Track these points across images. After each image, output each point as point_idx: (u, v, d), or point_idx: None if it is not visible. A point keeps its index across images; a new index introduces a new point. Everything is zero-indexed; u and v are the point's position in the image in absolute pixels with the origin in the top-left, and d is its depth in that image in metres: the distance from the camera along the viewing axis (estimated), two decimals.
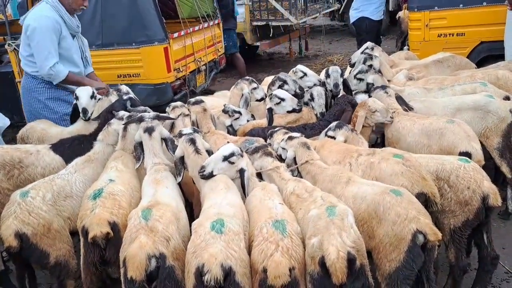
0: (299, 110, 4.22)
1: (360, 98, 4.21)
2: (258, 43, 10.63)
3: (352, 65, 5.11)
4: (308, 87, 4.61)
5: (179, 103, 3.96)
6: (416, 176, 2.71)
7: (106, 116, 3.67)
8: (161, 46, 5.76)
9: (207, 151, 3.01)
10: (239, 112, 4.08)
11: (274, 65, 11.86)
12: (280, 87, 4.36)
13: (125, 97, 3.82)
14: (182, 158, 2.95)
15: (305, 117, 4.29)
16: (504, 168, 3.81)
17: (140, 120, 3.18)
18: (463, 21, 5.86)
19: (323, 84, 4.56)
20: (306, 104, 4.45)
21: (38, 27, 4.09)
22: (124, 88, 4.06)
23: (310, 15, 11.10)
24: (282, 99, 4.14)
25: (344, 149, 3.13)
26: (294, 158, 3.12)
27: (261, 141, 3.50)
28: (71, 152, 3.53)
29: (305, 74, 4.59)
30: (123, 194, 2.73)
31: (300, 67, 4.65)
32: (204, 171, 2.80)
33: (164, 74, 5.86)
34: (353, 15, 7.99)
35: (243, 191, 2.86)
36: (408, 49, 6.66)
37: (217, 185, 2.76)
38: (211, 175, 2.81)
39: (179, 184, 3.06)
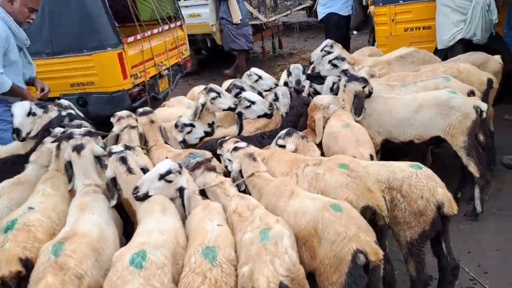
0: (271, 115, 3.96)
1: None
2: None
3: (312, 62, 4.89)
4: (264, 90, 4.37)
5: (125, 113, 3.65)
6: (361, 188, 2.49)
7: (42, 134, 3.37)
8: (115, 51, 5.45)
9: (142, 169, 2.75)
10: (192, 125, 3.79)
11: (248, 65, 11.59)
12: (237, 95, 4.12)
13: (64, 112, 3.51)
14: (114, 179, 2.69)
15: (274, 121, 4.06)
16: (472, 168, 3.62)
17: (69, 137, 2.91)
18: (428, 14, 5.67)
19: (285, 84, 4.33)
20: (270, 105, 4.22)
21: None
22: (65, 102, 3.76)
23: (281, 12, 10.86)
24: (253, 102, 3.88)
25: (292, 159, 2.89)
26: (241, 170, 2.88)
27: (206, 154, 3.25)
28: (2, 174, 3.24)
29: (260, 77, 4.35)
30: (41, 224, 2.45)
31: (254, 70, 4.41)
32: (138, 192, 2.55)
33: (120, 81, 5.56)
34: (321, 11, 7.78)
35: (184, 211, 2.62)
36: None
37: (152, 208, 2.51)
38: (146, 196, 2.55)
39: (121, 204, 2.81)
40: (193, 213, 2.56)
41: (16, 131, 3.50)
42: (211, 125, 3.87)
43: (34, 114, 3.55)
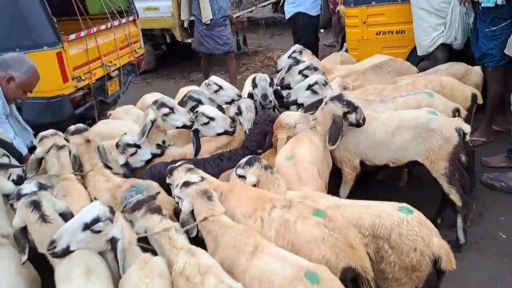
0: (233, 132, 3.42)
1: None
2: (189, 40, 9.69)
3: (279, 71, 4.38)
4: (226, 102, 3.82)
5: (50, 131, 3.02)
6: (341, 243, 2.00)
7: None
8: (53, 51, 4.71)
9: (62, 214, 2.14)
10: (136, 146, 3.18)
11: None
12: (193, 108, 3.54)
13: None
14: (24, 229, 2.06)
15: (237, 138, 3.53)
16: (454, 196, 3.24)
17: None
18: (402, 17, 5.30)
19: (250, 96, 3.79)
20: (233, 120, 3.67)
21: None
22: None
23: (245, 8, 10.29)
24: (211, 118, 3.34)
25: (256, 197, 2.36)
26: (193, 211, 2.33)
27: (153, 187, 2.67)
28: None
29: (220, 87, 3.79)
30: None
31: (214, 78, 3.84)
32: (56, 247, 1.95)
33: (59, 84, 4.83)
34: (288, 10, 7.25)
35: (118, 268, 2.04)
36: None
37: (72, 269, 1.92)
38: (66, 252, 1.97)
39: None
40: (126, 275, 1.99)
41: None
42: (160, 145, 3.28)
43: None
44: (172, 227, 2.20)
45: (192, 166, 2.71)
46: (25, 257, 2.06)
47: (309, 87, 3.46)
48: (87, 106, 5.26)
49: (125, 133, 3.36)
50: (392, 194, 4.13)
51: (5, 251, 2.08)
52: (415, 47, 5.27)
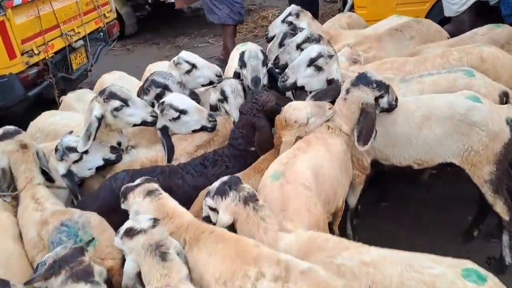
0: (212, 128, 2.64)
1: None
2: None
3: (270, 39, 3.48)
4: (202, 85, 2.99)
5: None
6: None
7: None
8: None
9: None
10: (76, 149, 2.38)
11: (199, 25, 9.86)
12: (159, 97, 2.71)
13: None
14: None
15: (222, 132, 2.74)
16: (499, 208, 2.49)
17: None
18: None
19: (236, 76, 2.94)
20: (215, 108, 2.85)
21: None
22: None
23: None
24: (182, 112, 2.55)
25: (234, 253, 1.57)
26: (140, 273, 1.57)
27: (93, 224, 1.89)
28: None
29: (193, 66, 2.92)
30: None
31: (184, 55, 2.96)
32: None
33: (4, 61, 3.97)
34: None
35: None
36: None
37: None
38: None
39: None
40: None
41: None
42: (116, 148, 2.48)
43: None
44: None
45: (154, 187, 1.94)
46: None
47: (311, 63, 2.56)
48: (45, 86, 4.41)
49: (70, 132, 2.55)
50: (412, 192, 3.44)
51: None
52: (436, 4, 4.34)
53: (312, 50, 2.61)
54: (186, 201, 2.11)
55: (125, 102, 2.40)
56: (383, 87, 2.27)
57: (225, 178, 1.89)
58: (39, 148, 2.45)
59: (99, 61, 5.62)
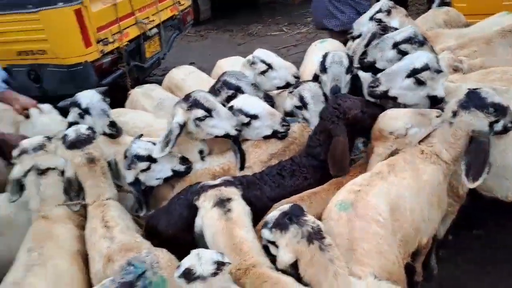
0: (285, 134, 2.38)
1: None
2: None
3: (356, 38, 3.10)
4: (277, 87, 2.72)
5: (35, 141, 2.18)
6: None
7: None
8: (70, 8, 3.80)
9: None
10: (150, 159, 2.22)
11: (272, 13, 9.57)
12: (230, 99, 2.48)
13: None
14: None
15: (300, 141, 2.48)
16: None
17: None
18: None
19: (315, 78, 2.64)
20: (291, 114, 2.59)
21: None
22: None
23: None
24: (253, 117, 2.32)
25: None
26: None
27: (161, 265, 1.67)
28: None
29: (269, 67, 2.65)
30: None
31: (260, 54, 2.69)
32: None
33: (80, 49, 3.96)
34: None
35: None
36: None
37: None
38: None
39: None
40: None
41: None
42: (185, 159, 2.29)
43: None
44: None
45: (225, 196, 1.79)
46: None
47: (413, 74, 2.14)
48: (118, 74, 4.40)
49: (139, 136, 2.40)
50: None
51: None
52: None
53: (417, 58, 2.20)
54: (264, 214, 1.93)
55: (209, 112, 2.20)
56: (501, 111, 1.84)
57: (285, 207, 1.64)
58: (112, 159, 2.30)
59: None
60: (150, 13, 4.84)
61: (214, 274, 1.37)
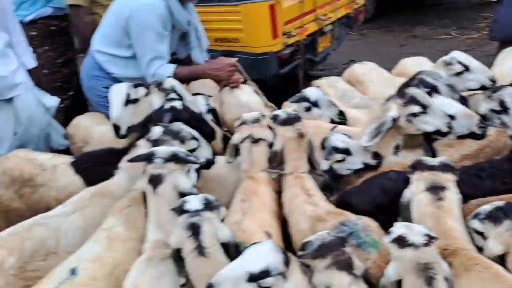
0: (482, 136, 2.43)
1: None
2: None
3: None
4: (469, 89, 2.73)
5: (253, 115, 2.45)
6: None
7: (141, 132, 2.58)
8: (267, 3, 4.29)
9: (224, 244, 1.67)
10: (346, 152, 2.39)
11: (439, 15, 9.13)
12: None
13: (166, 105, 2.55)
14: (179, 252, 1.69)
15: (497, 145, 2.49)
16: None
17: (148, 159, 1.98)
18: None
19: None
20: (483, 117, 2.58)
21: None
22: (168, 84, 2.75)
23: None
24: (450, 117, 2.39)
25: None
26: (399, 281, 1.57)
27: (373, 227, 1.90)
28: (95, 173, 2.59)
29: (466, 68, 2.68)
30: None
31: (457, 55, 2.73)
32: None
33: (268, 40, 4.44)
34: None
35: None
36: None
37: None
38: None
39: None
40: None
41: (114, 127, 2.77)
42: (378, 155, 2.41)
43: (134, 101, 2.75)
44: None
45: (440, 184, 1.84)
46: (182, 280, 1.72)
47: None
48: (294, 65, 4.80)
49: (335, 126, 2.59)
50: None
51: (170, 267, 1.76)
52: None
53: None
54: None
55: (425, 108, 2.29)
56: None
57: (500, 203, 1.70)
58: (309, 140, 2.46)
59: None
60: (328, 11, 5.14)
61: (425, 244, 1.53)
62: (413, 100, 2.27)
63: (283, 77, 4.87)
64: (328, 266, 1.59)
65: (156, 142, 2.16)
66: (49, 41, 4.12)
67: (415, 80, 2.63)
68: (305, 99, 2.77)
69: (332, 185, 2.43)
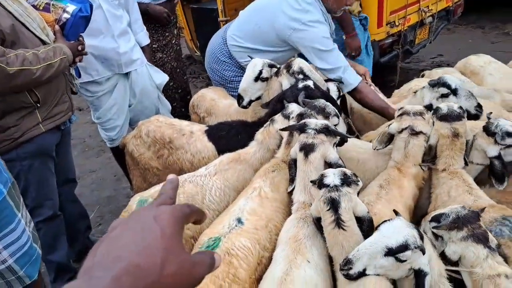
0: None
1: None
2: None
3: None
4: None
5: (416, 108, 2.36)
6: None
7: (274, 107, 2.78)
8: None
9: (359, 219, 1.79)
10: None
11: None
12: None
13: (300, 84, 2.70)
14: (319, 220, 1.86)
15: None
16: None
17: (301, 129, 2.18)
18: None
19: None
20: None
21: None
22: (297, 65, 2.91)
23: None
24: None
25: None
26: None
27: None
28: (226, 142, 2.87)
29: None
30: (247, 255, 1.86)
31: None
32: (351, 268, 1.63)
33: (373, 29, 4.50)
34: None
35: None
36: None
37: None
38: (361, 275, 1.64)
39: None
40: None
41: (238, 97, 3.03)
42: None
43: (264, 80, 2.96)
44: (502, 274, 1.60)
45: None
46: None
47: None
48: (393, 55, 4.85)
49: (491, 112, 2.49)
50: None
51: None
52: None
53: None
54: None
55: None
56: None
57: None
58: (470, 139, 2.37)
59: None
60: (431, 2, 5.10)
61: None
62: None
63: (380, 67, 4.92)
64: (464, 238, 1.69)
65: (301, 116, 2.35)
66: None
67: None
68: (445, 84, 2.67)
69: (506, 173, 2.25)
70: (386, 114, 3.00)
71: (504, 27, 8.13)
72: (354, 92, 3.15)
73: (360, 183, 1.86)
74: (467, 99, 2.65)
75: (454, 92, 2.65)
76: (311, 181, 1.91)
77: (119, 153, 3.48)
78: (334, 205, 1.74)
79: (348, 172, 1.86)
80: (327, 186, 1.78)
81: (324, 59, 3.13)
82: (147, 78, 3.73)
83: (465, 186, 2.13)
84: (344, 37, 3.94)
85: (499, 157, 2.25)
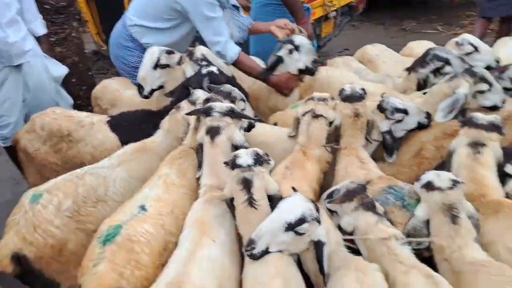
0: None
1: None
2: None
3: None
4: None
5: (323, 94, 2.48)
6: None
7: (179, 94, 2.71)
8: None
9: (271, 197, 1.83)
10: (405, 111, 2.45)
11: (426, 10, 9.55)
12: (437, 71, 2.84)
13: (204, 70, 2.68)
14: (232, 200, 1.87)
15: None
16: None
17: (206, 112, 2.15)
18: None
19: None
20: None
21: None
22: (199, 52, 2.88)
23: None
24: None
25: None
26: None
27: (411, 189, 2.03)
28: (130, 132, 2.74)
29: (475, 49, 2.96)
30: (149, 240, 1.80)
31: (468, 37, 3.02)
32: (254, 248, 1.65)
33: None
34: None
35: (320, 270, 1.68)
36: None
37: (268, 280, 1.61)
38: (264, 253, 1.67)
39: None
40: (339, 284, 1.61)
41: (138, 86, 2.92)
42: (429, 115, 2.50)
43: (163, 67, 2.88)
44: (392, 236, 1.74)
45: (481, 141, 2.05)
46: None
47: None
48: None
49: (384, 93, 2.68)
50: None
51: (226, 210, 1.93)
52: None
53: None
54: None
55: (491, 86, 2.43)
56: None
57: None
58: (372, 119, 2.48)
59: None
60: None
61: (451, 188, 1.75)
62: (482, 79, 2.44)
63: None
64: (355, 208, 1.81)
65: (207, 101, 2.31)
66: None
67: (429, 55, 2.87)
68: (290, 42, 3.04)
69: (395, 147, 2.47)
70: (257, 77, 3.22)
71: (402, 23, 8.85)
72: (236, 64, 3.19)
73: (272, 162, 1.90)
74: (306, 54, 3.01)
75: (297, 48, 3.00)
76: (224, 162, 1.89)
77: (15, 153, 3.17)
78: (247, 184, 1.77)
79: (260, 151, 1.89)
80: (240, 166, 1.80)
81: (209, 27, 3.08)
82: (43, 71, 3.44)
83: (358, 162, 2.28)
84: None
85: (390, 131, 2.44)
